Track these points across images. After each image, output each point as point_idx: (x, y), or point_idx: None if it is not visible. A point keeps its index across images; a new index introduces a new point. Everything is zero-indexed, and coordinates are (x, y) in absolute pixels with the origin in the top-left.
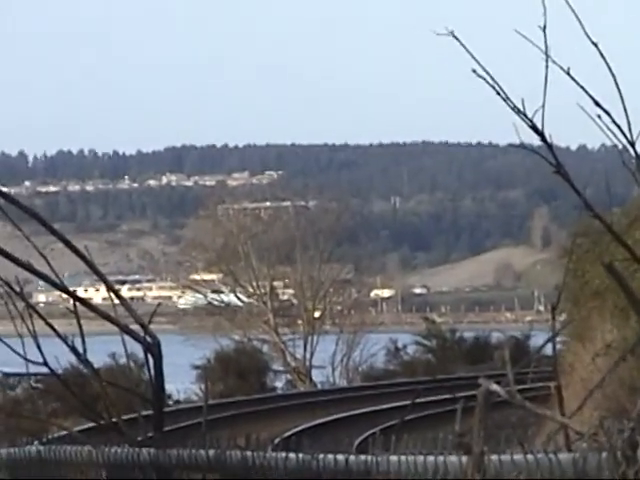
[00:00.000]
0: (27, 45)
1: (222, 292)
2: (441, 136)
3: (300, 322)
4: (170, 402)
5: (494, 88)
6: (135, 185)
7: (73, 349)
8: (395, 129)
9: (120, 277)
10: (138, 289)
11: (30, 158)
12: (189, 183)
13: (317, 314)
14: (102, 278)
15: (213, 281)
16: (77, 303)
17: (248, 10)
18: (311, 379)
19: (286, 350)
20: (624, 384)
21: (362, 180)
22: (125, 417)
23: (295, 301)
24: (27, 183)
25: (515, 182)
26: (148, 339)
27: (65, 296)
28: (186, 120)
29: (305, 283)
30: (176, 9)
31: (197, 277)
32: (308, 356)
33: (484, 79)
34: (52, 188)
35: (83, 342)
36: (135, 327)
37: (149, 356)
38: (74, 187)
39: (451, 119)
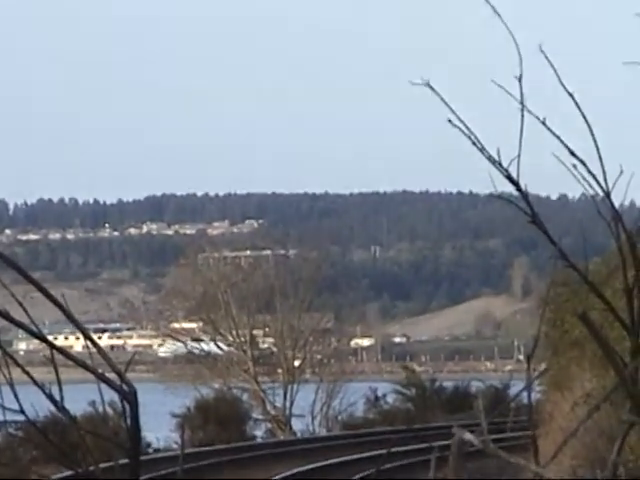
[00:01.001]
0: (7, 90)
1: (202, 340)
2: (421, 185)
3: (280, 371)
4: (150, 450)
5: (470, 138)
6: (116, 234)
7: (50, 397)
8: (375, 178)
9: (101, 325)
10: (118, 337)
11: (11, 206)
12: (169, 232)
13: (297, 363)
14: (79, 326)
15: (193, 330)
16: (54, 351)
17: (227, 58)
18: (291, 427)
19: (266, 398)
20: (603, 433)
21: (342, 229)
22: (103, 465)
23: (275, 350)
24: (8, 231)
25: (495, 231)
26: (125, 388)
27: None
28: (166, 169)
29: (285, 332)
30: (159, 53)
31: (177, 325)
32: (288, 404)
33: (459, 129)
34: (32, 236)
35: (60, 390)
36: (112, 375)
37: (126, 404)
38: (55, 235)
39: (431, 169)
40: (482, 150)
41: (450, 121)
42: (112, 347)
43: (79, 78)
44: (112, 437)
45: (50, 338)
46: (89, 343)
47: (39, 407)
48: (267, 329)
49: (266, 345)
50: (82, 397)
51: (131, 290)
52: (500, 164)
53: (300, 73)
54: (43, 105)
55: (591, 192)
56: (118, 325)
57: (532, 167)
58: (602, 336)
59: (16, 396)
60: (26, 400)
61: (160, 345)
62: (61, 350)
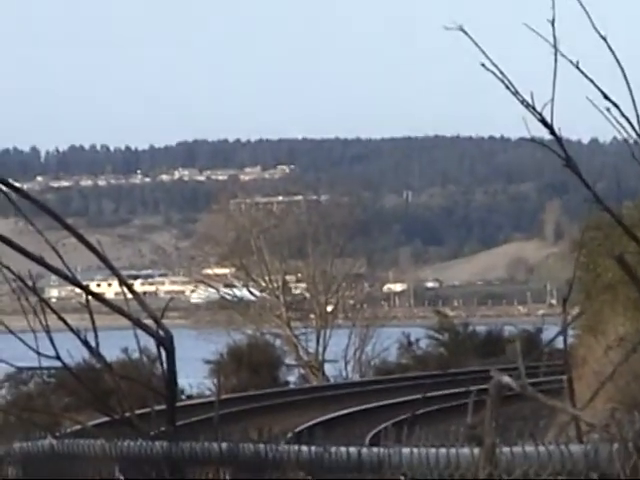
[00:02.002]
0: (39, 43)
1: (235, 286)
2: (453, 130)
3: (312, 316)
4: (182, 397)
5: (503, 82)
6: (147, 180)
7: (86, 343)
8: (407, 123)
9: (133, 272)
10: (151, 284)
11: (42, 153)
12: (201, 178)
13: (330, 308)
14: (115, 272)
15: (225, 276)
16: (90, 297)
17: (257, 7)
18: (324, 373)
19: (299, 344)
20: (637, 376)
21: (374, 174)
22: (138, 411)
23: (308, 295)
24: (39, 178)
25: (527, 175)
26: (161, 333)
27: (78, 291)
28: (198, 115)
29: (317, 277)
30: (188, 4)
31: (210, 272)
32: (321, 350)
33: (493, 73)
34: (64, 183)
35: (96, 336)
36: (148, 322)
37: (162, 350)
38: (86, 182)
39: (463, 113)
40: (516, 94)
41: (483, 65)
42: (144, 293)
43: (115, 24)
44: (148, 383)
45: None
46: (125, 289)
47: (73, 354)
48: (299, 275)
49: (298, 291)
50: (113, 344)
51: (163, 236)
52: (534, 108)
53: (333, 16)
54: (74, 53)
55: (624, 135)
56: (150, 272)
57: (563, 111)
58: (639, 278)
59: (52, 342)
60: (59, 347)
61: (192, 291)
62: (97, 296)
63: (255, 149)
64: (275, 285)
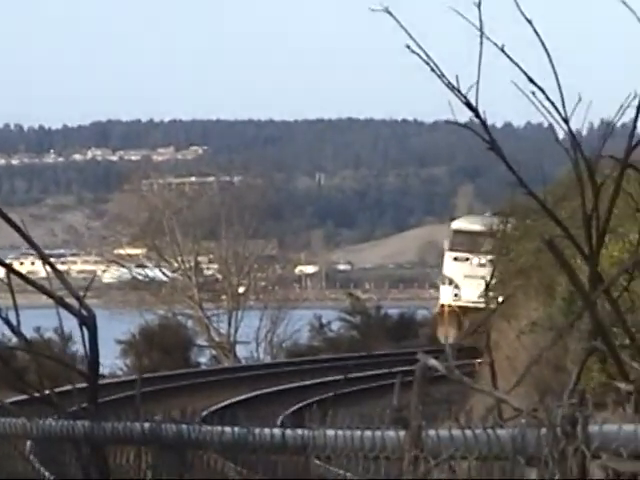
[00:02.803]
0: None
1: (146, 267)
2: (366, 113)
3: (224, 297)
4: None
5: (428, 64)
6: (60, 159)
7: (7, 321)
8: (320, 106)
9: (45, 251)
10: (62, 263)
11: None
12: (114, 158)
13: (241, 290)
14: (38, 250)
15: (138, 256)
16: (11, 275)
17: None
18: (235, 354)
19: (210, 325)
20: (549, 363)
21: (287, 156)
22: (58, 390)
23: (220, 276)
24: None
25: (439, 159)
26: (83, 312)
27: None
28: (111, 95)
29: (230, 259)
30: None
31: (122, 252)
32: (232, 331)
33: (418, 55)
34: None
35: (17, 315)
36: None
37: (84, 329)
38: None
39: (376, 95)
40: (441, 77)
41: (409, 47)
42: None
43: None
44: (69, 362)
45: None
46: (48, 267)
47: None
48: (211, 256)
49: (211, 272)
50: (30, 323)
51: (75, 216)
52: (459, 91)
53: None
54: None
55: (550, 120)
56: (62, 251)
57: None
58: (568, 263)
59: None
60: None
61: (104, 271)
62: (20, 274)
63: (168, 130)
64: (187, 266)
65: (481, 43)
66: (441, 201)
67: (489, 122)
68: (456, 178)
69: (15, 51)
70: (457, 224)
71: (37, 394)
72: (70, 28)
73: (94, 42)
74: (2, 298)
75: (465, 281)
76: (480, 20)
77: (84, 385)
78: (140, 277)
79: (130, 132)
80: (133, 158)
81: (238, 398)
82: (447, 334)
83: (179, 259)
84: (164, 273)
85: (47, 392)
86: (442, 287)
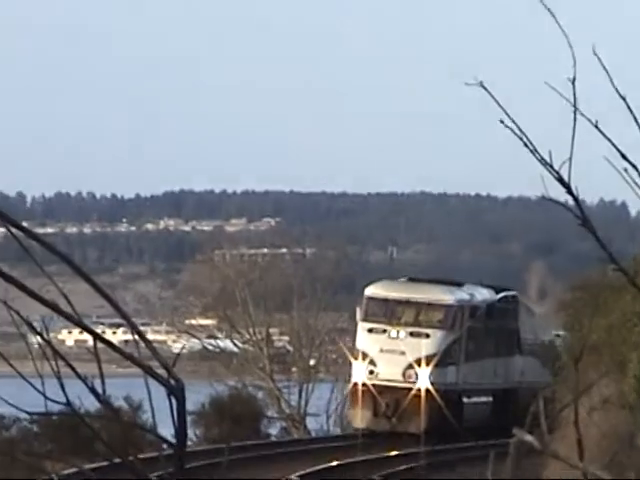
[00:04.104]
0: (26, 85)
1: (218, 337)
2: (439, 187)
3: (295, 369)
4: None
5: (521, 139)
6: (133, 229)
7: (93, 390)
8: (393, 179)
9: (116, 320)
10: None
11: (28, 199)
12: (187, 228)
13: (312, 362)
14: (128, 320)
15: (209, 326)
16: (99, 343)
17: (248, 63)
18: (305, 426)
19: (281, 397)
20: (622, 440)
21: (360, 229)
22: (142, 456)
23: (291, 348)
24: (25, 224)
25: (512, 235)
26: (172, 382)
27: (77, 338)
28: (185, 165)
29: (301, 331)
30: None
31: (193, 322)
32: (303, 403)
33: (511, 130)
34: (50, 230)
35: (102, 383)
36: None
37: (172, 399)
38: (72, 229)
39: (449, 170)
40: (534, 152)
41: (502, 122)
42: (126, 342)
43: (95, 77)
44: (155, 430)
45: (75, 332)
46: (137, 336)
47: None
48: (283, 327)
49: (282, 343)
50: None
51: (147, 285)
52: (552, 166)
53: (324, 72)
54: (65, 102)
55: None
56: (133, 320)
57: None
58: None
59: (62, 388)
60: (55, 393)
61: (175, 341)
62: (107, 342)
63: (241, 201)
64: (259, 337)
65: (575, 119)
66: (513, 277)
67: (561, 198)
68: (528, 254)
69: (89, 119)
70: (371, 290)
71: (119, 461)
72: (141, 99)
73: (167, 112)
74: (85, 367)
75: (382, 356)
76: (574, 95)
77: (169, 453)
78: (211, 347)
79: (203, 202)
80: (206, 228)
81: (309, 470)
82: (361, 418)
83: (250, 330)
84: (235, 344)
85: (130, 459)
86: (355, 363)
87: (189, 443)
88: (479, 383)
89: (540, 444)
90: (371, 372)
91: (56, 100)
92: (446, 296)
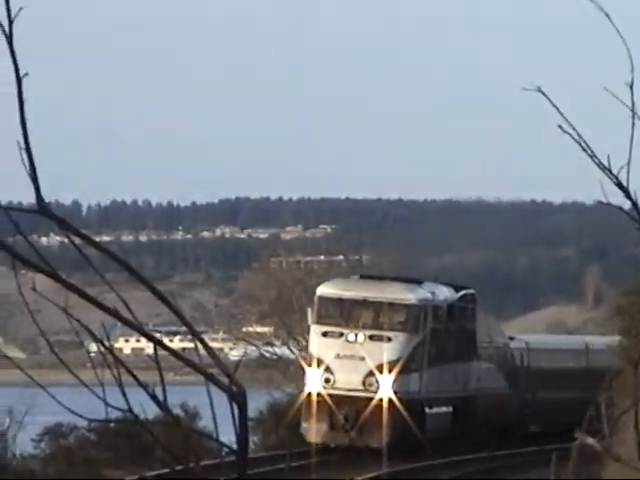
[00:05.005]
0: (82, 99)
1: (275, 345)
2: (494, 193)
3: None
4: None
5: (580, 144)
6: (189, 237)
7: (154, 397)
8: (449, 186)
9: (173, 328)
10: (190, 341)
11: (84, 207)
12: (243, 235)
13: None
14: (188, 325)
15: (266, 333)
16: (159, 350)
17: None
18: None
19: None
20: None
21: (415, 236)
22: (203, 463)
23: None
24: None
25: (567, 240)
26: (234, 388)
27: (135, 346)
28: (240, 173)
29: None
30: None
31: (250, 329)
32: None
33: (570, 135)
34: (105, 238)
35: (164, 390)
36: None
37: (234, 405)
38: (127, 237)
39: (504, 177)
40: (592, 157)
41: (560, 127)
42: (183, 350)
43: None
44: (216, 437)
45: (122, 341)
46: (199, 344)
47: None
48: None
49: None
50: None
51: (203, 293)
52: (610, 171)
53: (380, 78)
54: (120, 109)
55: None
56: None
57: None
58: None
59: (124, 395)
60: (115, 400)
61: (232, 349)
62: (169, 349)
63: (297, 208)
64: None
65: (633, 123)
66: (569, 282)
67: (615, 202)
68: (583, 259)
69: (143, 128)
70: (324, 290)
71: (181, 468)
72: (194, 108)
73: (222, 120)
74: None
75: (339, 362)
76: (632, 100)
77: (231, 459)
78: (268, 355)
79: (259, 210)
80: (262, 236)
81: (370, 475)
82: (316, 432)
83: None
84: (292, 351)
85: (192, 466)
86: (308, 370)
87: (249, 450)
88: (441, 391)
89: (602, 447)
90: (327, 380)
91: (112, 107)
92: (408, 295)
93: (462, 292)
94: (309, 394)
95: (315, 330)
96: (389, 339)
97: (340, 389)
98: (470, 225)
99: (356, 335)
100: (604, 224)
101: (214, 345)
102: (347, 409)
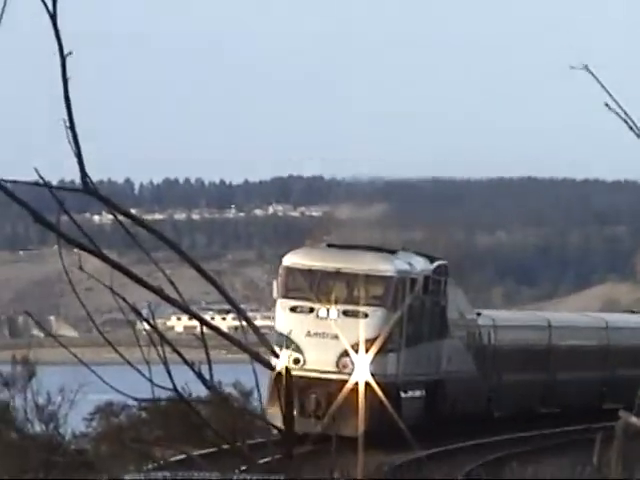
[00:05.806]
0: (135, 79)
1: None
2: (546, 172)
3: None
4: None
5: (627, 122)
6: (241, 215)
7: (200, 376)
8: (501, 164)
9: (225, 306)
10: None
11: (136, 186)
12: (295, 213)
13: None
14: (234, 305)
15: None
16: (205, 329)
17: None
18: None
19: None
20: None
21: (468, 213)
22: (250, 442)
23: None
24: (133, 211)
25: (620, 218)
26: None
27: (187, 324)
28: (293, 151)
29: None
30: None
31: None
32: None
33: (617, 114)
34: (158, 216)
35: (210, 369)
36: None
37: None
38: (180, 215)
39: (557, 155)
40: (639, 135)
41: (607, 105)
42: (236, 328)
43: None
44: (263, 417)
45: (174, 319)
46: (245, 323)
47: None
48: None
49: None
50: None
51: (256, 271)
52: None
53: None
54: (170, 89)
55: None
56: (242, 306)
57: None
58: None
59: (169, 374)
60: (161, 379)
61: None
62: (216, 328)
63: (350, 186)
64: None
65: None
66: (622, 259)
67: None
68: (637, 237)
69: (196, 106)
70: (291, 259)
71: (228, 447)
72: (246, 87)
73: (275, 99)
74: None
75: (309, 341)
76: None
77: (277, 439)
78: None
79: (311, 188)
80: (314, 214)
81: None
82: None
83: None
84: None
85: (239, 445)
86: (276, 349)
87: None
88: (416, 374)
89: None
90: (296, 361)
91: (165, 89)
92: (385, 266)
93: (437, 263)
94: (277, 375)
95: (282, 305)
96: (365, 315)
97: (310, 370)
98: (522, 203)
99: (328, 310)
100: None
101: (267, 323)
102: (318, 393)
